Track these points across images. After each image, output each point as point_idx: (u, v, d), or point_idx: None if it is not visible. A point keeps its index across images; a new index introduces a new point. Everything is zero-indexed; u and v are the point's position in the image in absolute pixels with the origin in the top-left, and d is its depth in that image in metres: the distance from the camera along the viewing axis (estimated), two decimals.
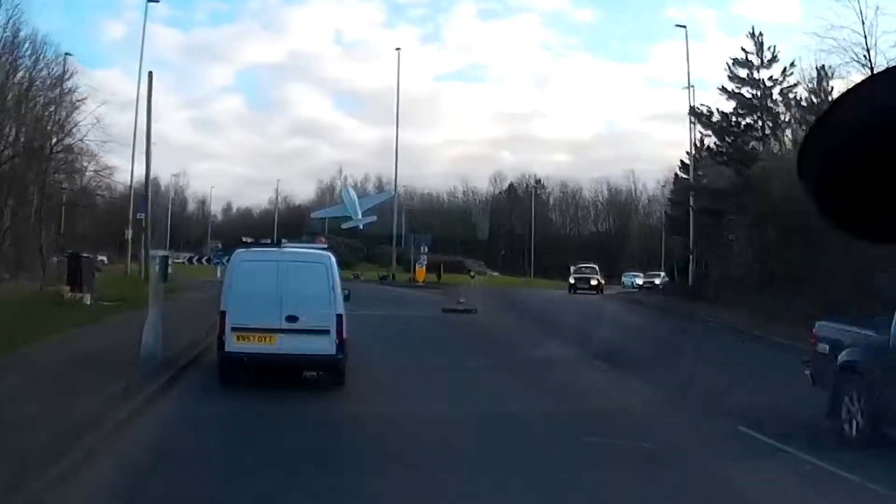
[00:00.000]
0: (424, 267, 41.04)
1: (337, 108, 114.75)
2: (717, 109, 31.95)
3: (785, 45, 49.16)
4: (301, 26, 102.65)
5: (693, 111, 31.63)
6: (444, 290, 34.29)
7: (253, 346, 11.37)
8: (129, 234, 31.89)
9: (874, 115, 0.98)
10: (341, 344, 11.44)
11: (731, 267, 35.51)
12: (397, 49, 53.84)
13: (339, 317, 11.53)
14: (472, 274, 51.80)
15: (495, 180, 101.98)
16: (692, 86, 35.97)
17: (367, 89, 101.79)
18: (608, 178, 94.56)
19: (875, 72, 1.22)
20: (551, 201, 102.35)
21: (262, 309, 11.41)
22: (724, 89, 31.25)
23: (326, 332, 11.42)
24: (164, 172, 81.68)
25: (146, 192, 28.47)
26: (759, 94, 31.72)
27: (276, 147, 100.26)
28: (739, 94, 31.23)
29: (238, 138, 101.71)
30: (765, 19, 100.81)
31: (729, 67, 31.66)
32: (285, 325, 11.40)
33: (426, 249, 43.01)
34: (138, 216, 29.47)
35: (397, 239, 64.23)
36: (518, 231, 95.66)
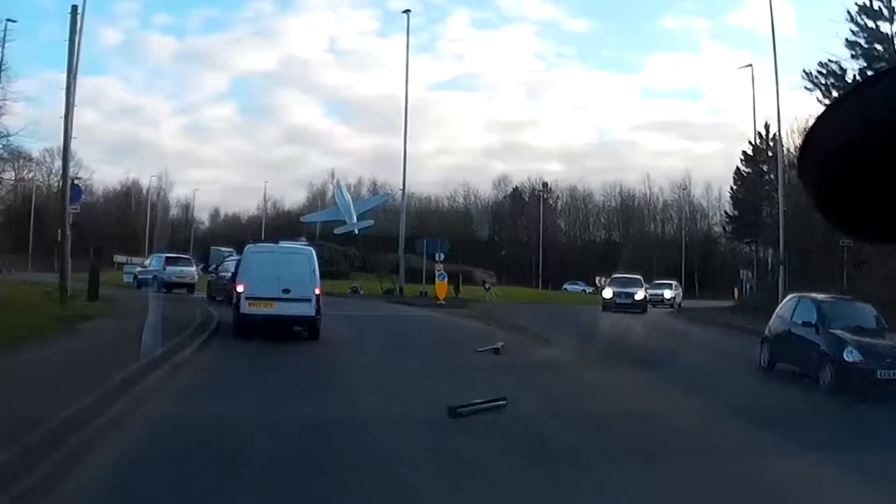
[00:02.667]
0: (446, 280, 32.42)
1: (329, 116, 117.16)
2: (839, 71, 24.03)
3: None
4: (295, 34, 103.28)
5: (817, 76, 23.82)
6: (476, 311, 25.96)
7: (260, 309, 16.00)
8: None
9: (875, 114, 0.97)
10: (318, 309, 16.38)
11: (843, 282, 27.72)
12: (405, 12, 45.01)
13: (317, 290, 16.50)
14: (486, 286, 44.29)
15: (499, 184, 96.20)
16: (751, 64, 32.60)
17: (361, 97, 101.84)
18: (621, 182, 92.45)
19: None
20: (559, 206, 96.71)
21: (265, 284, 16.11)
22: (852, 44, 23.42)
23: (309, 300, 16.28)
24: (153, 180, 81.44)
25: (64, 164, 20.08)
26: (883, 50, 23.92)
27: (268, 154, 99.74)
28: (872, 48, 23.40)
29: (229, 145, 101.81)
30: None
31: (852, 17, 23.87)
32: (281, 296, 16.07)
33: (442, 257, 34.76)
34: (71, 209, 21.20)
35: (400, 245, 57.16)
36: (522, 238, 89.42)
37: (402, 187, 42.88)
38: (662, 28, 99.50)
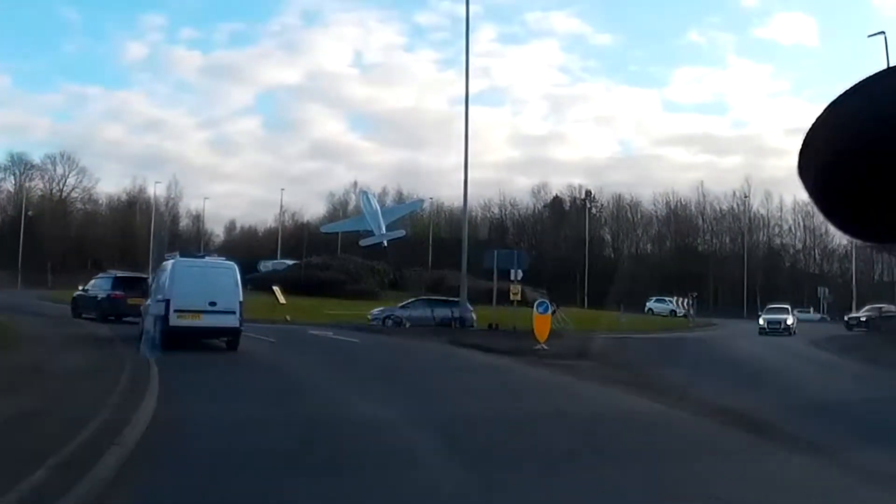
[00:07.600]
0: (550, 314, 21.58)
1: (354, 130, 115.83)
2: None
3: None
4: (321, 49, 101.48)
5: None
6: (608, 363, 15.89)
7: (187, 321, 16.57)
8: None
9: (876, 113, 0.96)
10: (241, 320, 17.20)
11: None
12: None
13: (240, 303, 17.20)
14: (552, 310, 34.65)
15: (538, 192, 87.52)
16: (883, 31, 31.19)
17: (386, 111, 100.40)
18: (672, 190, 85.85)
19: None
20: (602, 217, 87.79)
21: (193, 297, 16.68)
22: None
23: (233, 312, 17.02)
24: (158, 187, 78.52)
25: None
26: None
27: (291, 169, 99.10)
28: None
29: (253, 159, 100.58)
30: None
31: None
32: (208, 308, 16.79)
33: (520, 276, 24.46)
34: None
35: (433, 260, 48.66)
36: (564, 251, 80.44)
37: (463, 198, 33.27)
38: (688, 42, 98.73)
